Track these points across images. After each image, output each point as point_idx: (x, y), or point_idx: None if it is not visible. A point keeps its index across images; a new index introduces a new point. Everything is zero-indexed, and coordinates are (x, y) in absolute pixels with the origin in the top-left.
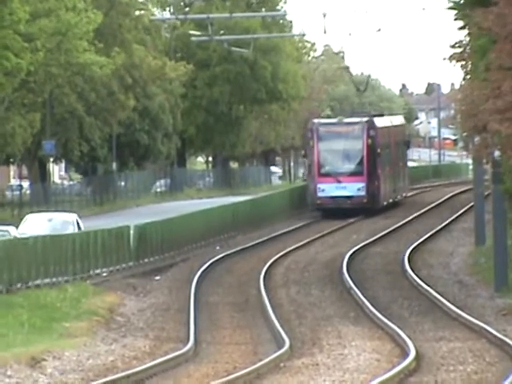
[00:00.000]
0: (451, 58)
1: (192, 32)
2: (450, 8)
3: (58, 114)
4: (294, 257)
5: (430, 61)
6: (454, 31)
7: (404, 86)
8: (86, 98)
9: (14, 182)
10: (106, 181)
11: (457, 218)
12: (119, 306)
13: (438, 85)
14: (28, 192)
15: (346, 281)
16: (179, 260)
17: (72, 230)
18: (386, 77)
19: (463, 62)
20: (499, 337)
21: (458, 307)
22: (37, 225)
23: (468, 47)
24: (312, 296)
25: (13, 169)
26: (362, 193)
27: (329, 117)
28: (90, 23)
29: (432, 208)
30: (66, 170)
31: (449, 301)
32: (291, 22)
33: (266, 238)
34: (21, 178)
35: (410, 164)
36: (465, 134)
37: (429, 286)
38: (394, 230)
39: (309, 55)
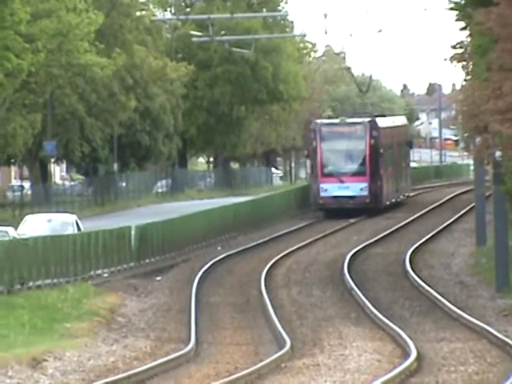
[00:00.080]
0: (452, 58)
1: (193, 32)
2: (451, 9)
3: (59, 115)
4: (296, 257)
5: (431, 61)
6: (455, 32)
7: (405, 86)
8: (87, 99)
9: (15, 182)
10: (107, 181)
11: (458, 218)
12: (120, 306)
13: (439, 85)
14: (29, 193)
15: (348, 281)
16: (180, 260)
17: (71, 230)
18: (387, 77)
19: (464, 63)
20: (500, 337)
21: (459, 308)
22: (36, 226)
23: (469, 48)
24: (313, 297)
25: (14, 169)
26: (365, 193)
27: (330, 117)
28: (91, 24)
29: (433, 208)
30: (67, 171)
31: (450, 301)
32: (292, 22)
33: (267, 239)
34: (22, 178)
35: (411, 165)
36: (466, 134)
37: (430, 286)
38: (395, 230)
39: (310, 56)
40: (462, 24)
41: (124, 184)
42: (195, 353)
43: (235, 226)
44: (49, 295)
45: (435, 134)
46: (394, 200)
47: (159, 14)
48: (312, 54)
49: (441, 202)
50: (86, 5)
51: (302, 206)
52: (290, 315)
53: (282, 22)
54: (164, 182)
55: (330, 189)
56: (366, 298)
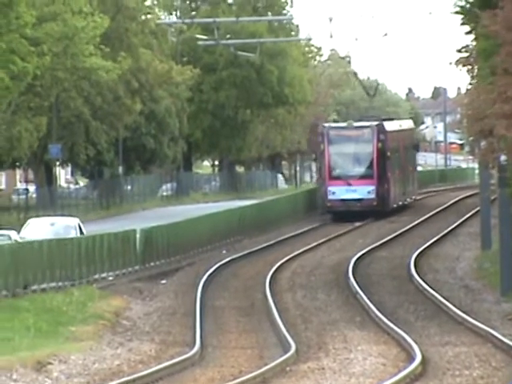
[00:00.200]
0: (457, 62)
1: (198, 36)
2: (457, 12)
3: (64, 118)
4: (301, 261)
5: (436, 65)
6: (460, 35)
7: (410, 90)
8: (92, 102)
9: (20, 185)
10: (113, 185)
11: (463, 222)
12: (125, 309)
13: (445, 89)
14: (34, 196)
15: (352, 285)
16: (185, 264)
17: (74, 234)
18: (393, 81)
19: (469, 67)
20: (505, 341)
21: (463, 312)
22: (39, 229)
23: (474, 52)
24: (318, 300)
25: (19, 173)
26: (372, 196)
27: (335, 121)
28: (97, 27)
29: (438, 212)
30: (72, 174)
31: (455, 305)
32: (297, 26)
33: (272, 242)
34: (27, 181)
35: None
36: (471, 138)
37: (435, 290)
38: (400, 234)
39: (315, 59)
40: (468, 28)
41: (129, 187)
42: (200, 356)
43: (240, 230)
44: (54, 298)
45: (440, 137)
46: (400, 203)
47: (165, 18)
48: (317, 57)
49: (446, 205)
50: (92, 8)
51: (307, 210)
52: (294, 319)
53: (288, 25)
54: (169, 185)
55: (338, 192)
56: (371, 301)
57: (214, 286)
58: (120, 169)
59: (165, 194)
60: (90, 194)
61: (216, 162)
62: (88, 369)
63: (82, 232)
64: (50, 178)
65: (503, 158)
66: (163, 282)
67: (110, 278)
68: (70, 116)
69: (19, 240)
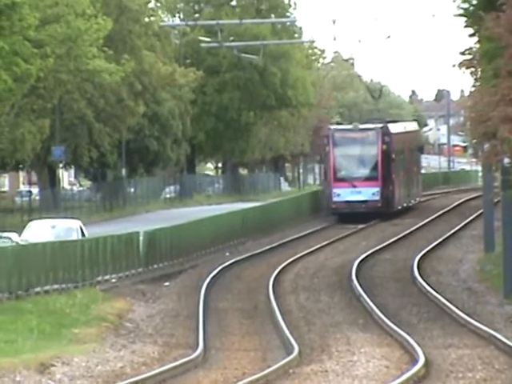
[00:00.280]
0: (461, 64)
1: (202, 38)
2: (460, 15)
3: (67, 120)
4: (304, 263)
5: (439, 67)
6: (463, 38)
7: (413, 92)
8: (96, 104)
9: (23, 187)
10: (116, 187)
11: (466, 224)
12: (128, 312)
13: (448, 91)
14: (37, 198)
15: (355, 287)
16: (188, 266)
17: (75, 236)
18: (396, 83)
19: (473, 69)
20: (508, 344)
21: (466, 314)
22: (40, 232)
23: (477, 54)
24: (321, 302)
25: (22, 175)
26: (377, 197)
27: (339, 123)
28: (100, 30)
29: (441, 215)
30: (75, 176)
31: (458, 308)
32: (301, 28)
33: (275, 245)
34: (30, 183)
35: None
36: (474, 140)
37: (438, 292)
38: (403, 236)
39: (318, 62)
40: (471, 30)
41: (132, 189)
42: (203, 358)
43: (243, 232)
44: (57, 300)
45: (443, 140)
46: (405, 204)
47: (168, 20)
48: (320, 60)
49: (449, 208)
50: (95, 10)
51: (311, 212)
52: (297, 321)
53: (291, 28)
54: (172, 187)
55: (343, 193)
56: (374, 303)
57: (217, 288)
58: (123, 171)
59: (168, 196)
60: (93, 196)
61: (219, 165)
62: (91, 371)
63: (83, 234)
64: (53, 180)
65: (506, 160)
66: (166, 284)
67: (113, 280)
68: (73, 118)
69: (20, 242)
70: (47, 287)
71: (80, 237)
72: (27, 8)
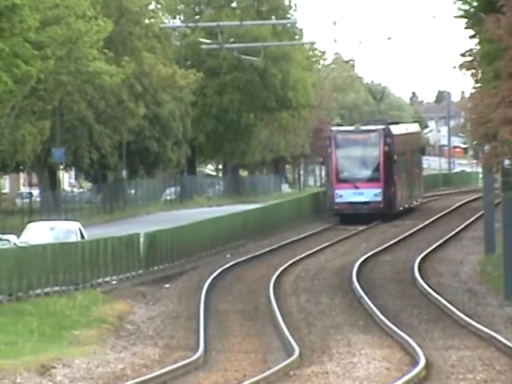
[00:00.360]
0: (461, 66)
1: (202, 40)
2: (461, 16)
3: (67, 122)
4: (304, 265)
5: (440, 69)
6: (464, 39)
7: (414, 94)
8: (96, 106)
9: (23, 189)
10: (116, 188)
11: (467, 226)
12: (129, 313)
13: (448, 93)
14: (38, 200)
15: (356, 289)
16: (189, 268)
17: (75, 238)
18: (396, 85)
19: (473, 71)
20: (509, 345)
21: (467, 315)
22: (39, 234)
23: (478, 56)
24: (322, 304)
25: (23, 176)
26: (379, 198)
27: (339, 125)
28: (101, 31)
29: (442, 216)
30: (75, 178)
31: (458, 309)
32: (301, 30)
33: (276, 246)
34: (31, 185)
35: None
36: (475, 142)
37: (438, 294)
38: (403, 238)
39: (319, 63)
40: (471, 32)
41: (133, 191)
42: (204, 360)
43: (244, 234)
44: (57, 302)
45: (444, 141)
46: (407, 205)
47: (168, 22)
48: (321, 61)
49: (449, 209)
50: (95, 12)
51: (311, 214)
52: (298, 323)
53: (291, 29)
54: (173, 189)
55: (345, 195)
56: (375, 305)
57: (218, 290)
58: (124, 173)
59: (168, 197)
60: (93, 197)
61: (220, 166)
62: (92, 373)
63: (82, 236)
64: (53, 182)
65: (507, 162)
66: (167, 286)
67: (114, 282)
68: (73, 120)
69: (19, 244)
70: (48, 289)
71: (79, 239)
72: (27, 10)
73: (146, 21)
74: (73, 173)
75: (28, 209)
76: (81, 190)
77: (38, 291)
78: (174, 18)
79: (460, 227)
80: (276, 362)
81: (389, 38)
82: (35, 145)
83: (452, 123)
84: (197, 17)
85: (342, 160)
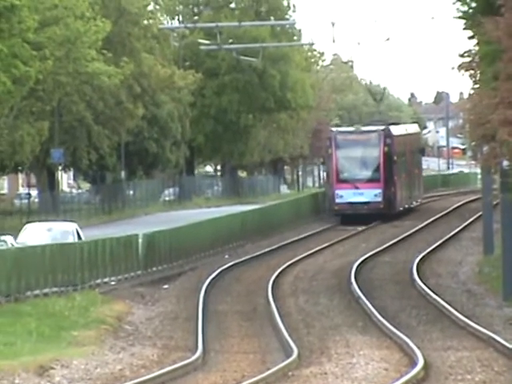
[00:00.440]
0: (460, 67)
1: (201, 41)
2: (459, 17)
3: (66, 123)
4: (303, 266)
5: (438, 70)
6: (462, 40)
7: (413, 95)
8: (95, 107)
9: (22, 190)
10: (115, 189)
11: (465, 227)
12: (127, 314)
13: (447, 94)
14: (36, 200)
15: (355, 290)
16: (188, 269)
17: (72, 239)
18: (395, 86)
19: (472, 72)
20: (507, 346)
21: (466, 316)
22: (36, 234)
23: (477, 56)
24: (320, 305)
25: (21, 177)
26: (379, 199)
27: (338, 125)
28: (99, 32)
29: (440, 217)
30: (74, 179)
31: (457, 310)
32: (300, 31)
33: (274, 247)
34: (29, 186)
35: None
36: (473, 143)
37: (437, 295)
38: (402, 239)
39: (317, 64)
40: (470, 33)
41: (131, 192)
42: (202, 361)
43: (243, 235)
44: (56, 303)
45: (443, 142)
46: (407, 206)
47: (167, 23)
48: (320, 62)
49: (448, 210)
50: (94, 13)
51: (310, 215)
52: (297, 323)
53: (290, 30)
54: (171, 190)
55: (345, 195)
56: (373, 306)
57: (217, 291)
58: (122, 173)
59: (167, 198)
60: (92, 198)
61: (218, 167)
62: (90, 373)
63: (79, 237)
64: (52, 183)
65: (505, 163)
66: (165, 286)
67: (113, 283)
68: (72, 120)
69: (16, 245)
70: (46, 290)
71: (76, 240)
72: (26, 10)
73: (145, 21)
74: (71, 173)
75: (26, 209)
76: (79, 190)
77: (37, 292)
78: (173, 18)
79: (459, 228)
80: (275, 363)
81: (387, 39)
82: (34, 145)
83: (451, 124)
84: (195, 17)
85: (342, 160)
